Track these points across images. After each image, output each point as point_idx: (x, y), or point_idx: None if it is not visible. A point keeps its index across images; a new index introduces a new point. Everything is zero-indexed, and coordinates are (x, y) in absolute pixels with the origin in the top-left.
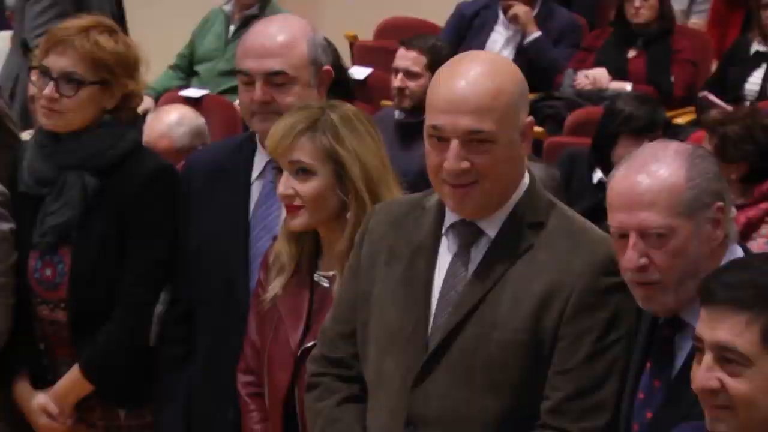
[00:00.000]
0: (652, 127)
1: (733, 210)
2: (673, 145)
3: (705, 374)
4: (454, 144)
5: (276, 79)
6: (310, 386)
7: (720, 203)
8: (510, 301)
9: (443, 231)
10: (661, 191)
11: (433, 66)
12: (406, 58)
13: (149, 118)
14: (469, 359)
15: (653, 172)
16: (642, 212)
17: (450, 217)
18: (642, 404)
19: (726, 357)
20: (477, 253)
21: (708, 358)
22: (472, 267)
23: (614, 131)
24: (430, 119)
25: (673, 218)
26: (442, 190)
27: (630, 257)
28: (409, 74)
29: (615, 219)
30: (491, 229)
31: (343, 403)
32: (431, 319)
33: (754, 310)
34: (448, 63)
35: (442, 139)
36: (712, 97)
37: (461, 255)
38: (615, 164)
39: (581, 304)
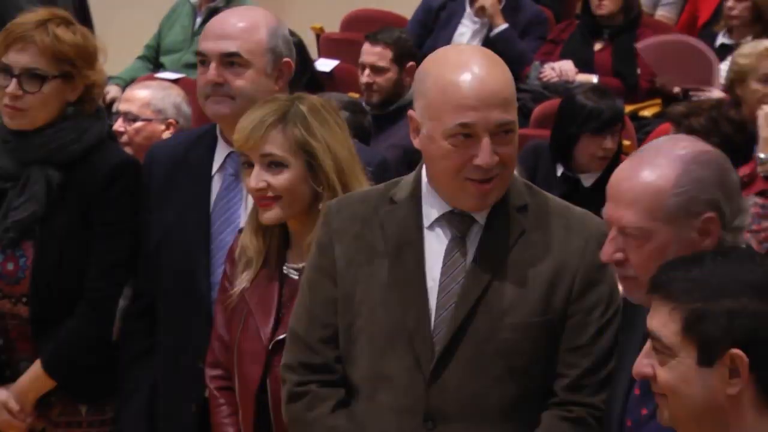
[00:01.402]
0: (613, 122)
1: (744, 216)
2: (680, 146)
3: (641, 360)
4: (487, 139)
5: (230, 60)
6: (295, 396)
7: (711, 214)
8: (516, 285)
9: (428, 224)
10: (645, 193)
11: (399, 59)
12: (372, 53)
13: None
14: (482, 348)
15: (643, 172)
16: (622, 209)
17: (434, 210)
18: (638, 401)
19: (656, 346)
20: (471, 242)
21: (648, 345)
22: (470, 256)
23: (575, 132)
24: (455, 118)
25: (651, 222)
26: (464, 187)
27: (605, 250)
28: (376, 69)
29: (605, 207)
30: (480, 216)
31: (336, 409)
32: (433, 313)
33: (679, 302)
34: (441, 60)
35: (468, 136)
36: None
37: (457, 245)
38: (578, 161)
39: (587, 280)
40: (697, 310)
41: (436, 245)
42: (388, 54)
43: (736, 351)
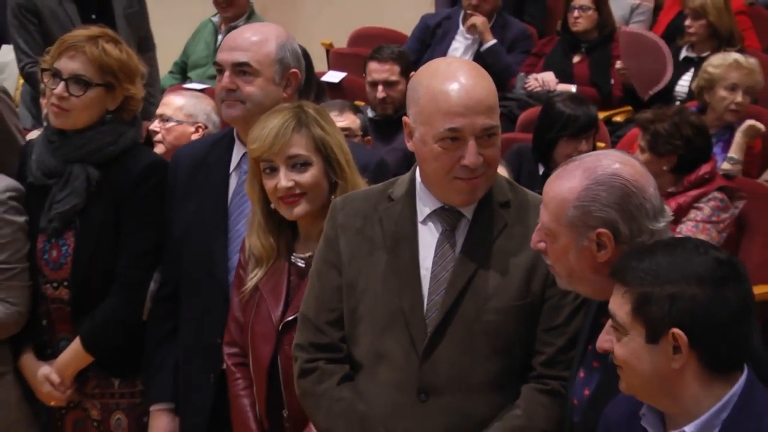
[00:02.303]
0: (588, 128)
1: (664, 229)
2: (598, 165)
3: (603, 336)
4: (472, 142)
5: (241, 69)
6: (306, 372)
7: (605, 230)
8: (499, 273)
9: (421, 220)
10: (554, 198)
11: (406, 72)
12: (383, 70)
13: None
14: (470, 329)
15: (561, 180)
16: (543, 208)
17: (427, 207)
18: (582, 382)
19: (613, 324)
20: (460, 235)
21: (608, 323)
22: (459, 247)
23: (554, 136)
24: (445, 124)
25: (557, 225)
26: (453, 185)
27: (534, 237)
28: (388, 84)
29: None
30: (468, 211)
31: (342, 382)
32: (425, 299)
33: (630, 286)
34: (432, 72)
35: (456, 139)
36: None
37: (447, 238)
38: (557, 161)
39: None
40: (644, 294)
41: (428, 238)
42: (396, 68)
43: (677, 331)
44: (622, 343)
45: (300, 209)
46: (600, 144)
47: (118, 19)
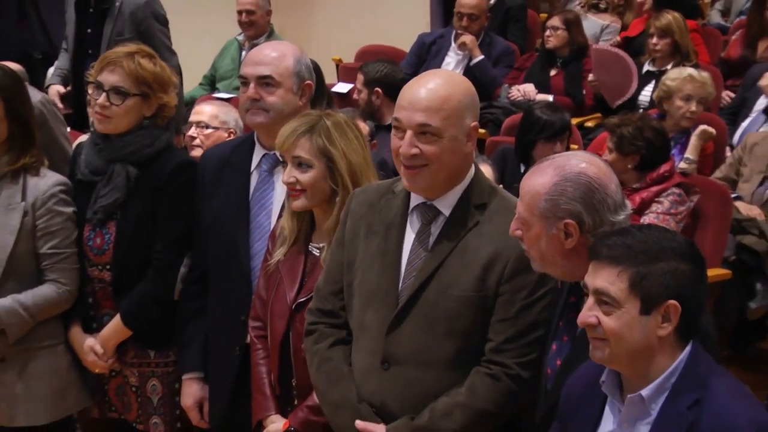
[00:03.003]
0: (562, 132)
1: (624, 219)
2: (566, 163)
3: (586, 312)
4: (408, 134)
5: (264, 81)
6: (308, 332)
7: (570, 221)
8: (461, 266)
9: (409, 211)
10: (529, 192)
11: (369, 84)
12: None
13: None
14: (431, 312)
15: (535, 176)
16: (520, 201)
17: (414, 200)
18: (554, 354)
19: (602, 299)
20: (435, 229)
21: (590, 300)
22: (432, 240)
23: (533, 138)
24: (394, 113)
25: (530, 215)
26: (400, 169)
27: (512, 226)
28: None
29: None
30: (446, 209)
31: (333, 345)
32: (401, 281)
33: (624, 265)
34: (419, 75)
35: (400, 129)
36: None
37: (423, 231)
38: (536, 161)
39: (516, 268)
40: (640, 272)
41: (413, 228)
42: (362, 78)
43: (673, 302)
44: (614, 316)
45: (299, 203)
46: (573, 146)
47: (104, 42)
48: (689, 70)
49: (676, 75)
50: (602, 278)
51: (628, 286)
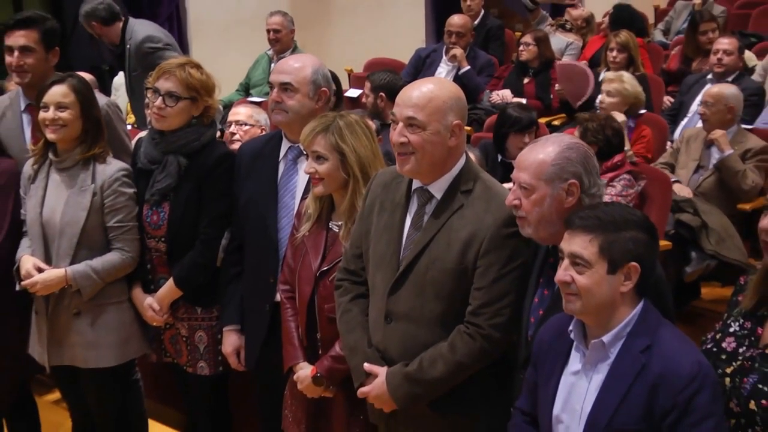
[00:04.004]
0: (530, 126)
1: (601, 188)
2: (563, 138)
3: (562, 272)
4: (400, 125)
5: (285, 87)
6: (337, 287)
7: (574, 181)
8: (446, 243)
9: (411, 193)
10: (534, 162)
11: (374, 90)
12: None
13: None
14: (422, 279)
15: (536, 150)
16: (521, 171)
17: (415, 184)
18: (536, 306)
19: (576, 261)
20: (429, 209)
21: (566, 262)
22: (425, 219)
23: (506, 131)
24: (393, 110)
25: (536, 180)
26: (395, 155)
27: (509, 197)
28: (366, 96)
29: (514, 172)
30: (438, 193)
31: (354, 299)
32: (402, 252)
33: (595, 233)
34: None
35: (395, 122)
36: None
37: (419, 211)
38: (509, 150)
39: (490, 246)
40: (608, 239)
41: (413, 208)
42: (368, 85)
43: (634, 264)
44: (586, 275)
45: (318, 189)
46: None
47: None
48: (617, 73)
49: (609, 77)
50: (576, 244)
51: (598, 250)
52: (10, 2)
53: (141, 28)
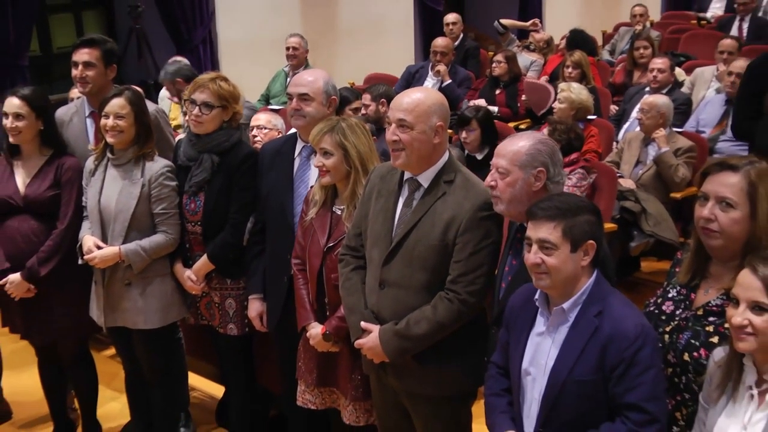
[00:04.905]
0: (465, 123)
1: (563, 177)
2: (536, 135)
3: (532, 256)
4: (393, 126)
5: (303, 97)
6: (340, 260)
7: (542, 169)
8: (431, 224)
9: (403, 183)
10: (510, 151)
11: (375, 98)
12: (365, 98)
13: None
14: (410, 252)
15: (513, 141)
16: (499, 158)
17: (406, 175)
18: (507, 273)
19: (544, 245)
20: (418, 196)
21: (534, 247)
22: (414, 204)
23: (456, 129)
24: (388, 113)
25: (511, 166)
26: (390, 151)
27: (487, 180)
28: (366, 106)
29: (493, 158)
30: (425, 182)
31: (354, 270)
32: (394, 231)
33: (557, 220)
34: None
35: (389, 123)
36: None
37: (410, 197)
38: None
39: (467, 226)
40: (568, 223)
41: (405, 195)
42: (368, 96)
43: (591, 242)
44: (553, 256)
45: (325, 180)
46: None
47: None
48: (567, 84)
49: (561, 87)
50: (543, 231)
51: (562, 233)
52: (73, 27)
53: None
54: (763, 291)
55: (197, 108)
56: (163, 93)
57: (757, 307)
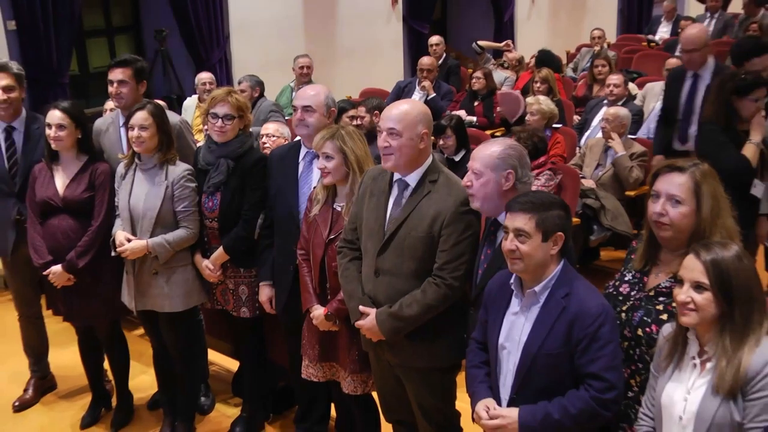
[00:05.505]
0: (441, 131)
1: (531, 178)
2: (507, 141)
3: (509, 243)
4: (384, 133)
5: (306, 109)
6: (338, 252)
7: (511, 171)
8: (418, 218)
9: (393, 183)
10: (484, 155)
11: (370, 111)
12: (359, 111)
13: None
14: (401, 244)
15: (488, 147)
16: (475, 161)
17: (396, 176)
18: (482, 261)
19: (519, 234)
20: (406, 194)
21: (510, 236)
22: (403, 202)
23: (436, 134)
24: (379, 122)
25: (484, 168)
26: (381, 156)
27: (464, 180)
28: (361, 117)
29: (470, 161)
30: (412, 182)
31: (352, 260)
32: (386, 225)
33: (532, 213)
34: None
35: (380, 131)
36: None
37: (399, 196)
38: (441, 148)
39: (450, 220)
40: (541, 216)
41: (394, 194)
42: (363, 109)
43: (560, 233)
44: (527, 244)
45: (327, 180)
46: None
47: None
48: (535, 98)
49: (529, 101)
50: (519, 221)
51: (535, 225)
52: (107, 49)
53: None
54: (703, 272)
55: (220, 120)
56: (187, 103)
57: (698, 287)
